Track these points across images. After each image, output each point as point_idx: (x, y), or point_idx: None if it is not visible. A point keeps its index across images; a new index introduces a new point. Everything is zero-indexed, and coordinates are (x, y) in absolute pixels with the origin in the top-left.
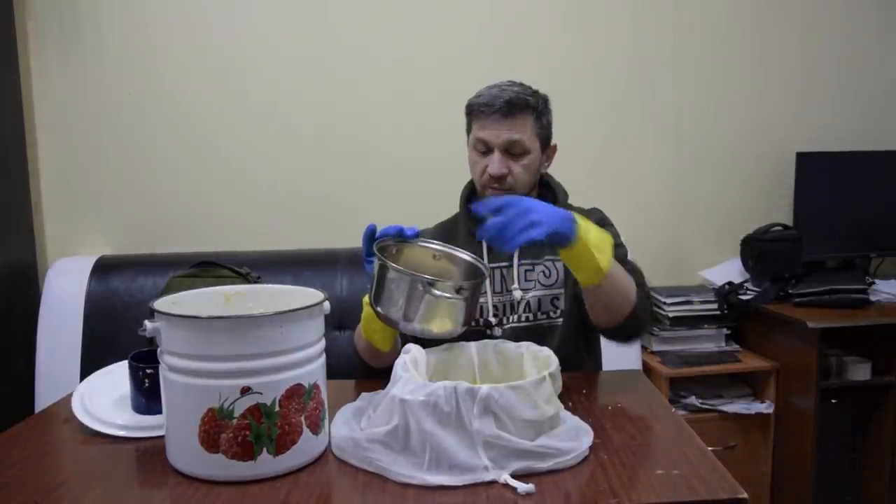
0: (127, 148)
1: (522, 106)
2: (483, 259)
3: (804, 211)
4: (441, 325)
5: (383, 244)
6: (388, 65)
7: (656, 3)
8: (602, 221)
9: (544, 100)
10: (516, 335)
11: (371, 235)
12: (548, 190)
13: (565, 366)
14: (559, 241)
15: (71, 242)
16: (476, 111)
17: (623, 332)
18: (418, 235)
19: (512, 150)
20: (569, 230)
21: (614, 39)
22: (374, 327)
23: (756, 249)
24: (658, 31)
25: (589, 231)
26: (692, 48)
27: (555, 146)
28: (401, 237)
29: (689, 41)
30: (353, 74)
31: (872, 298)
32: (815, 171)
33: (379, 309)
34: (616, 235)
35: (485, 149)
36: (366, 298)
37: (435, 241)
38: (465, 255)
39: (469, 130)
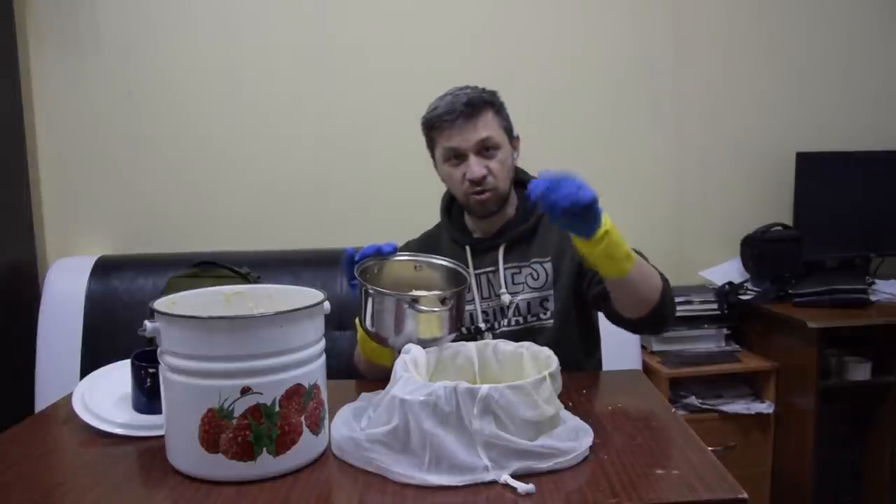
0: (127, 148)
1: (481, 104)
2: (468, 263)
3: (804, 211)
4: (431, 336)
5: (364, 266)
6: (389, 65)
7: (656, 3)
8: None
9: (496, 94)
10: (507, 339)
11: (351, 259)
12: (524, 188)
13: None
14: (592, 217)
15: (71, 242)
16: (437, 124)
17: (653, 321)
18: (396, 249)
19: (485, 148)
20: (598, 211)
21: (614, 39)
22: (370, 346)
23: (756, 249)
24: (658, 30)
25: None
26: (692, 48)
27: (518, 137)
28: (379, 255)
29: (690, 41)
30: (353, 74)
31: (872, 298)
32: (815, 171)
33: (370, 329)
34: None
35: (457, 157)
36: (357, 320)
37: (413, 253)
38: (444, 262)
39: (433, 146)
